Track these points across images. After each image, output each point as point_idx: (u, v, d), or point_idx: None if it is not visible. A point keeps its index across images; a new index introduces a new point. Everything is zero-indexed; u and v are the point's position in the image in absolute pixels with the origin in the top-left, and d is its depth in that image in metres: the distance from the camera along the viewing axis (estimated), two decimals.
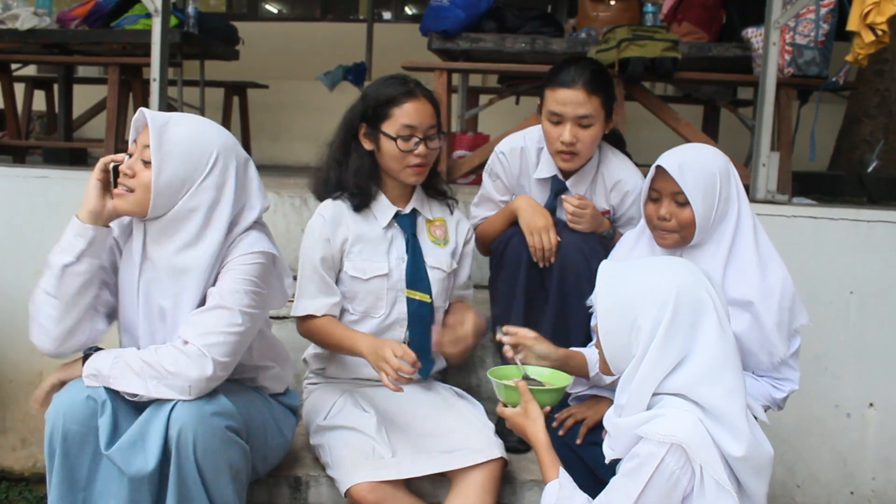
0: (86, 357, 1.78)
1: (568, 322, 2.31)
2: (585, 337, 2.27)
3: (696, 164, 2.03)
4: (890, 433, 2.94)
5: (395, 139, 2.13)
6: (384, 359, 1.94)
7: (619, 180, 2.43)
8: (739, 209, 2.07)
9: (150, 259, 1.79)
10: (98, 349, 1.81)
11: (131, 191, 1.75)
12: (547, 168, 2.44)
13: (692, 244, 2.06)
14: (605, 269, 1.73)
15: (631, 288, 1.66)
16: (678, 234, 2.04)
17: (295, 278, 2.90)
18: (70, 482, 1.72)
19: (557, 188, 2.45)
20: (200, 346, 1.70)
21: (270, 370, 2.02)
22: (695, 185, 1.99)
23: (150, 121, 1.72)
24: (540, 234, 2.31)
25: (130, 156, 1.78)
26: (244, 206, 1.85)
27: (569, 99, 2.27)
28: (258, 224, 1.90)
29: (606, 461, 1.71)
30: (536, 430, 1.79)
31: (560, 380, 1.92)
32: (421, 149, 2.15)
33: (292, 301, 2.61)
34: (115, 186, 1.78)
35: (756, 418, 1.77)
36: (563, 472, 1.75)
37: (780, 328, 2.02)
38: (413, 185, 2.24)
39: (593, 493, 1.87)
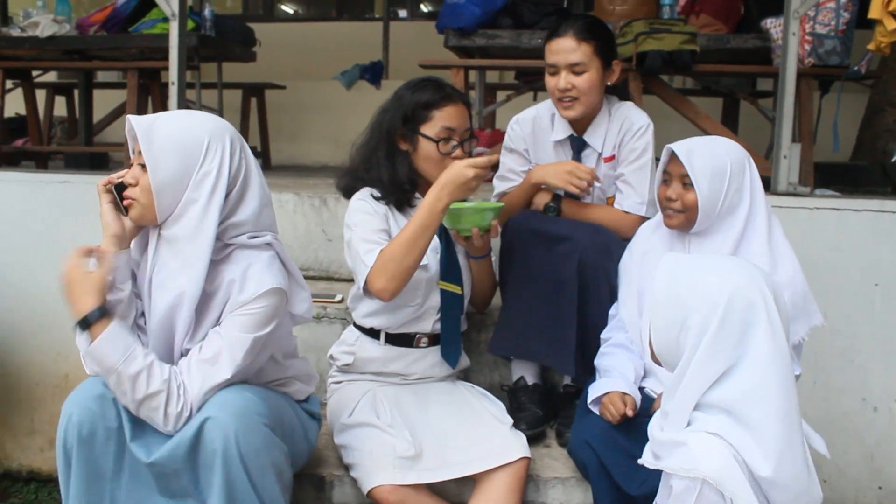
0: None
1: (589, 318, 2.31)
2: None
3: (706, 151, 2.09)
4: None
5: (436, 142, 2.16)
6: (460, 172, 2.01)
7: (626, 117, 2.48)
8: (753, 203, 2.09)
9: (160, 258, 1.78)
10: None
11: (137, 200, 1.75)
12: (562, 129, 2.50)
13: (697, 230, 2.12)
14: (667, 261, 1.70)
15: (686, 284, 1.62)
16: (683, 216, 2.10)
17: (329, 279, 2.89)
18: (96, 475, 1.72)
19: (579, 146, 2.49)
20: (193, 402, 1.73)
21: (291, 383, 2.03)
22: (701, 170, 2.05)
23: (135, 125, 1.72)
24: (573, 175, 2.35)
25: (131, 166, 1.78)
26: (244, 189, 1.80)
27: (559, 48, 2.36)
28: (272, 244, 1.86)
29: (642, 461, 1.68)
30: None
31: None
32: (458, 152, 2.19)
33: (313, 301, 2.63)
34: (122, 202, 1.79)
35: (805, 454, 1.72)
36: None
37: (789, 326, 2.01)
38: None
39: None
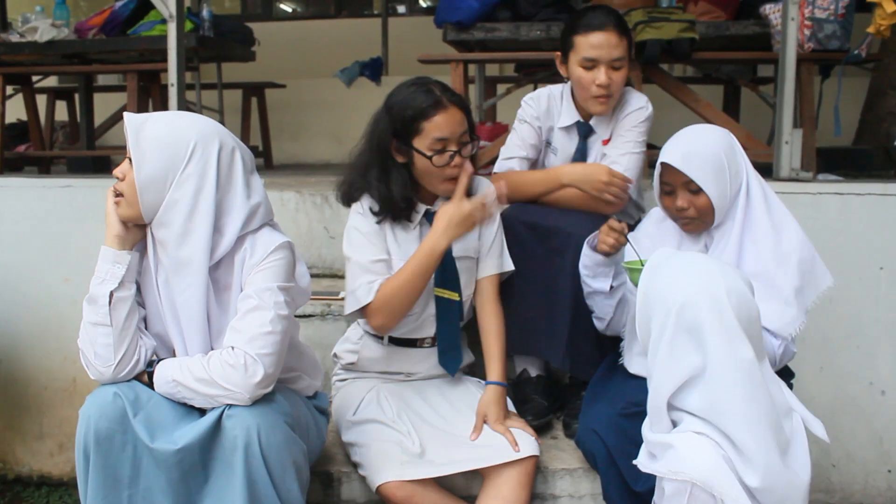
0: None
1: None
2: None
3: (698, 148, 2.03)
4: None
5: (429, 156, 2.04)
6: (456, 210, 2.01)
7: (626, 101, 2.49)
8: (747, 180, 2.07)
9: (160, 261, 1.80)
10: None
11: (124, 195, 1.77)
12: (569, 116, 2.50)
13: (716, 225, 2.08)
14: (654, 258, 1.72)
15: (651, 291, 1.67)
16: (700, 221, 2.06)
17: (333, 276, 2.88)
18: (113, 480, 1.72)
19: (585, 132, 2.50)
20: (250, 353, 1.71)
21: (300, 378, 2.03)
22: (703, 171, 2.00)
23: (127, 121, 1.75)
24: (610, 186, 2.32)
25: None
26: (234, 193, 1.80)
27: (603, 42, 2.32)
28: (268, 224, 1.89)
29: (637, 462, 1.70)
30: None
31: None
32: (456, 160, 2.06)
33: (316, 298, 2.64)
34: None
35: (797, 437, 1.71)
36: None
37: (802, 293, 2.00)
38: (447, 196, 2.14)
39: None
